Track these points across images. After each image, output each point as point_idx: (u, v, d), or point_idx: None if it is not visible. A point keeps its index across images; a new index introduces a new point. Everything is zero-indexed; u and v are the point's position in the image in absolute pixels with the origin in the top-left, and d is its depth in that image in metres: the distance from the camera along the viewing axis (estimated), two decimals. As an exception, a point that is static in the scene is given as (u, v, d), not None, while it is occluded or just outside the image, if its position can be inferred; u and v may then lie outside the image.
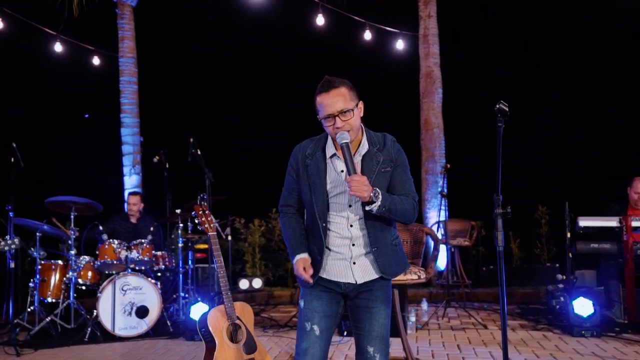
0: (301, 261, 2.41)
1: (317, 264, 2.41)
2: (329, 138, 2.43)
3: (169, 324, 5.78)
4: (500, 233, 2.57)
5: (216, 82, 9.96)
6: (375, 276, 2.41)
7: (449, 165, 7.20)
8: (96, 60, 8.83)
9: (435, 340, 5.13)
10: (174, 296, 6.23)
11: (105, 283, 5.61)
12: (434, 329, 5.64)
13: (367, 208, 2.29)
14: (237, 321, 3.23)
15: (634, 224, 5.42)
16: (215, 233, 3.30)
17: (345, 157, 2.26)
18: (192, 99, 10.06)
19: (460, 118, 8.71)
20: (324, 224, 2.38)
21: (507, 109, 2.43)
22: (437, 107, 8.51)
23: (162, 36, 9.68)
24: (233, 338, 3.22)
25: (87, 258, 5.90)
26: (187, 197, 6.67)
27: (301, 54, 9.41)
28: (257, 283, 7.91)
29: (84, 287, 6.03)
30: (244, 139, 9.93)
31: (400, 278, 3.11)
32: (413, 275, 3.13)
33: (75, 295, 5.85)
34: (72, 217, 5.82)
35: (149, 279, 5.74)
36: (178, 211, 6.14)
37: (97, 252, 5.86)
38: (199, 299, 5.65)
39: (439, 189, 7.50)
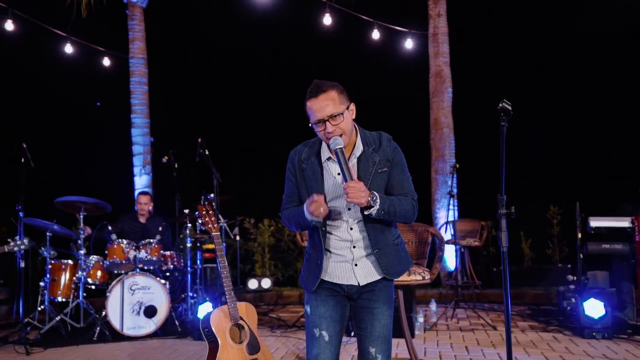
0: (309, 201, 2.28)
1: (318, 268, 2.39)
2: (323, 141, 2.39)
3: (177, 323, 5.80)
4: (504, 233, 2.54)
5: (224, 82, 9.98)
6: (378, 277, 2.39)
7: (458, 165, 7.14)
8: (106, 61, 8.90)
9: (443, 341, 5.09)
10: (183, 296, 6.25)
11: (114, 283, 5.64)
12: (443, 330, 5.60)
13: (365, 212, 2.26)
14: (241, 321, 3.23)
15: (646, 224, 5.32)
16: (218, 233, 3.29)
17: (340, 163, 2.22)
18: (200, 99, 10.08)
19: (470, 117, 8.64)
20: (323, 228, 2.36)
21: (510, 108, 2.40)
22: (447, 107, 8.45)
23: (170, 36, 9.72)
24: (236, 338, 3.22)
25: (96, 258, 5.95)
26: (196, 197, 6.69)
27: (309, 54, 9.40)
28: (266, 283, 7.91)
29: (93, 287, 6.08)
30: (253, 139, 9.95)
31: (404, 279, 3.09)
32: (417, 276, 3.10)
33: (85, 294, 5.90)
34: (81, 217, 5.87)
35: (157, 278, 5.76)
36: (186, 211, 6.16)
37: (106, 252, 5.90)
38: (207, 298, 5.66)
39: (449, 189, 7.44)
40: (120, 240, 5.86)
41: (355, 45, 8.93)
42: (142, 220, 6.62)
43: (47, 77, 8.71)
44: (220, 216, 6.67)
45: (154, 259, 5.87)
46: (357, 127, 2.42)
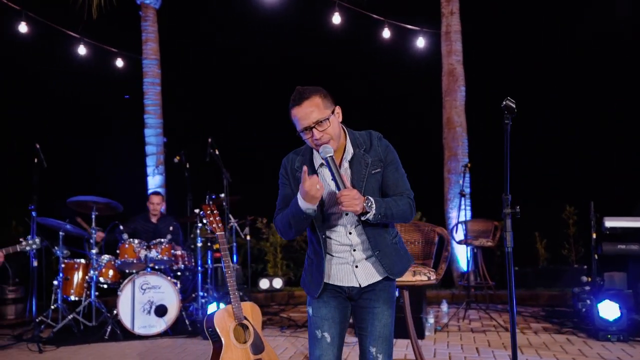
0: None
1: (320, 275, 2.37)
2: (314, 150, 2.35)
3: (187, 322, 5.82)
4: (509, 234, 2.50)
5: (234, 82, 9.99)
6: (379, 278, 2.39)
7: (469, 165, 7.07)
8: (119, 62, 8.97)
9: (453, 342, 5.03)
10: (193, 295, 6.28)
11: (125, 282, 5.68)
12: (454, 331, 5.54)
13: (362, 218, 2.24)
14: (245, 321, 3.22)
15: (663, 225, 5.21)
16: (223, 233, 3.29)
17: (331, 171, 2.19)
18: (212, 99, 10.11)
19: (483, 116, 8.54)
20: (323, 236, 2.35)
21: (514, 106, 2.35)
22: (460, 106, 8.38)
23: (180, 36, 9.77)
24: (240, 338, 3.21)
25: (108, 257, 6.00)
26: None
27: (319, 54, 9.38)
28: (278, 283, 7.91)
29: (105, 286, 6.13)
30: (264, 138, 9.96)
31: (409, 279, 3.05)
32: (423, 277, 3.06)
33: (97, 293, 5.95)
34: (93, 216, 5.92)
35: (168, 278, 5.79)
36: (197, 211, 6.18)
37: (117, 252, 5.95)
38: (217, 298, 5.67)
39: (462, 188, 7.36)
40: (131, 239, 5.91)
41: (366, 44, 8.89)
42: (154, 220, 6.66)
43: (60, 79, 8.81)
44: (230, 216, 6.68)
45: (165, 258, 5.90)
46: (345, 129, 2.39)
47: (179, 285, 5.90)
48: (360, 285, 2.37)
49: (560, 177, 8.66)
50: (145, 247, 5.86)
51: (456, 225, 7.25)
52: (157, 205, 6.63)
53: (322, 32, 8.51)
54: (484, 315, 6.24)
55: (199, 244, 6.12)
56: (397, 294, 3.19)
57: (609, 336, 4.87)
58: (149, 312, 5.64)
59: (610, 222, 5.45)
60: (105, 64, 8.90)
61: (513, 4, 9.08)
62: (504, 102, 2.37)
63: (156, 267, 5.92)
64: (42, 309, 6.13)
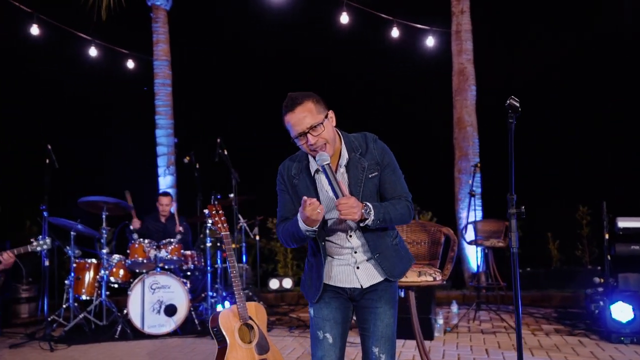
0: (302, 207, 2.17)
1: (319, 280, 2.37)
2: (309, 155, 2.34)
3: (196, 322, 5.85)
4: (514, 234, 2.46)
5: (243, 82, 10.00)
6: (381, 279, 2.38)
7: (479, 165, 7.01)
8: (130, 64, 9.03)
9: (463, 343, 4.99)
10: (203, 295, 6.30)
11: (135, 282, 5.72)
12: (464, 332, 5.50)
13: (361, 225, 2.24)
14: (250, 321, 3.22)
15: (677, 225, 5.13)
16: (228, 233, 3.29)
17: (328, 179, 2.17)
18: (221, 98, 10.13)
19: (494, 116, 8.45)
20: (322, 243, 2.35)
21: (517, 105, 2.32)
22: (471, 105, 8.31)
23: (189, 37, 9.81)
24: (245, 338, 3.21)
25: (118, 257, 6.05)
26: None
27: (327, 53, 9.37)
28: (288, 283, 7.91)
29: (116, 285, 6.18)
30: (274, 138, 9.96)
31: (415, 279, 3.03)
32: (428, 277, 3.03)
33: (108, 293, 6.00)
34: (103, 216, 5.97)
35: (178, 277, 5.82)
36: (206, 211, 6.20)
37: (127, 251, 5.99)
38: (225, 298, 5.69)
39: (472, 189, 7.30)
40: (141, 239, 5.95)
41: (374, 44, 8.85)
42: (164, 220, 6.69)
43: (72, 80, 8.88)
44: (240, 216, 6.70)
45: (175, 258, 5.93)
46: (340, 133, 2.37)
47: (188, 285, 5.93)
48: (362, 286, 2.36)
49: (573, 177, 8.55)
50: (155, 247, 5.89)
51: (465, 225, 7.19)
52: (165, 206, 6.66)
53: (330, 32, 8.49)
54: (495, 316, 6.18)
55: (209, 244, 6.14)
56: (402, 294, 3.19)
57: (622, 338, 4.80)
58: (159, 311, 5.67)
59: (623, 223, 5.38)
60: (116, 65, 8.96)
61: (524, 2, 8.99)
62: (508, 101, 2.35)
63: (166, 267, 5.96)
64: (55, 308, 6.20)
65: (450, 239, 3.24)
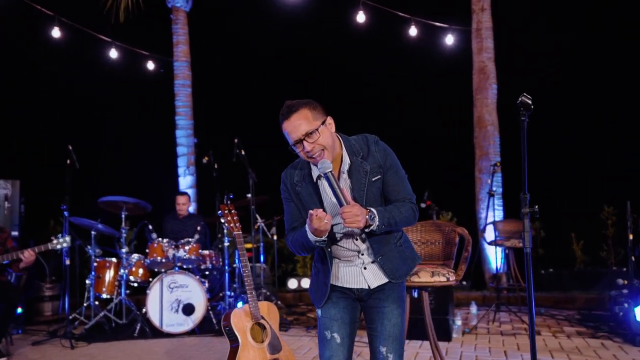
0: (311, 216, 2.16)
1: (325, 286, 2.38)
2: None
3: (214, 321, 5.88)
4: (527, 233, 2.41)
5: (261, 82, 10.03)
6: (387, 280, 2.38)
7: (499, 164, 6.90)
8: (150, 65, 9.14)
9: (481, 345, 4.91)
10: (221, 294, 6.33)
11: (153, 281, 5.78)
12: (483, 333, 5.41)
13: (366, 231, 2.23)
14: (262, 321, 3.22)
15: None
16: (240, 232, 3.30)
17: (332, 188, 2.16)
18: (240, 98, 10.18)
19: (516, 115, 8.31)
20: (329, 249, 2.35)
21: (530, 102, 2.28)
22: (492, 104, 8.20)
23: (208, 38, 9.87)
24: (258, 338, 3.21)
25: (137, 256, 6.12)
26: (236, 196, 6.77)
27: (344, 53, 9.34)
28: (306, 283, 7.90)
29: (135, 284, 6.25)
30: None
31: (427, 280, 2.99)
32: (441, 277, 2.99)
33: (128, 291, 6.08)
34: (122, 216, 6.05)
35: (196, 277, 5.86)
36: (219, 211, 6.23)
37: (146, 251, 6.06)
38: (244, 297, 5.71)
39: (492, 188, 7.20)
40: (160, 239, 6.01)
41: (392, 42, 8.79)
42: (181, 219, 6.74)
43: (92, 81, 9.01)
44: (257, 216, 6.72)
45: (193, 257, 5.98)
46: (340, 137, 2.35)
47: (206, 284, 5.96)
48: (369, 286, 2.36)
49: (598, 176, 8.37)
50: (173, 246, 5.95)
51: (485, 225, 7.09)
52: (182, 206, 6.72)
53: (347, 32, 8.46)
54: (515, 318, 6.08)
55: (226, 244, 6.17)
56: (415, 294, 3.15)
57: (646, 341, 4.67)
58: (177, 310, 5.72)
59: (648, 223, 5.24)
60: (136, 66, 9.08)
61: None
62: (520, 99, 2.30)
63: (184, 266, 6.00)
64: (77, 306, 6.31)
65: (464, 239, 3.18)
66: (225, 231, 6.23)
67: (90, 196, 6.42)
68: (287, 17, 8.78)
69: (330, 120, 2.29)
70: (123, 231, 6.03)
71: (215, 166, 6.99)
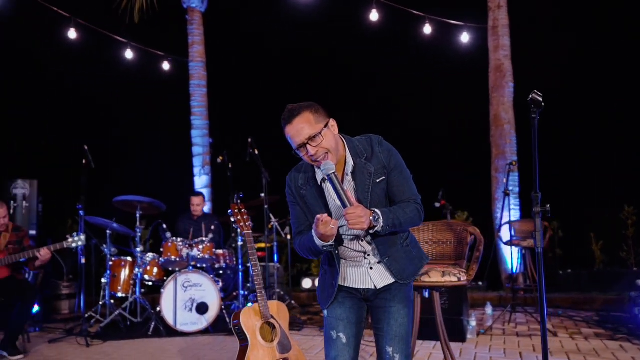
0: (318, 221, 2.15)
1: (332, 288, 2.37)
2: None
3: (228, 320, 5.89)
4: (539, 233, 2.37)
5: (276, 83, 10.04)
6: (393, 280, 2.36)
7: (515, 163, 6.80)
8: (166, 65, 9.21)
9: (496, 346, 4.85)
10: (235, 294, 6.34)
11: (168, 280, 5.81)
12: (498, 334, 5.34)
13: (371, 232, 2.21)
14: (272, 320, 3.21)
15: None
16: (250, 232, 3.29)
17: (335, 189, 2.14)
18: (254, 98, 10.21)
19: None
20: (336, 251, 2.34)
21: (540, 99, 2.23)
22: (508, 102, 8.09)
23: (223, 38, 9.91)
24: (267, 337, 3.20)
25: (152, 255, 6.17)
26: (251, 196, 6.79)
27: (360, 52, 9.30)
28: (320, 283, 7.88)
29: (150, 283, 6.30)
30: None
31: (438, 279, 2.95)
32: (452, 277, 2.95)
33: (143, 290, 6.13)
34: (137, 215, 6.10)
35: (210, 276, 5.88)
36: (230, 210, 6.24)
37: (161, 250, 6.10)
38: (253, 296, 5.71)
39: (509, 187, 7.11)
40: (174, 238, 6.04)
41: (406, 41, 8.73)
42: (196, 219, 6.78)
43: (108, 81, 9.12)
44: (271, 215, 6.72)
45: (207, 257, 6.00)
46: (344, 139, 2.32)
47: (220, 283, 5.98)
48: (376, 287, 2.34)
49: (618, 175, 8.21)
50: (187, 245, 5.98)
51: (500, 225, 6.99)
52: (197, 206, 6.75)
53: (361, 30, 8.43)
54: (531, 319, 5.99)
55: (240, 243, 6.19)
56: (426, 294, 3.11)
57: (666, 344, 4.57)
58: (191, 309, 5.74)
59: (668, 223, 5.12)
60: (151, 67, 9.15)
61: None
62: (531, 96, 2.26)
63: (198, 265, 6.03)
64: (93, 304, 6.38)
65: (476, 238, 3.14)
66: (238, 230, 6.25)
67: (105, 196, 6.49)
68: (301, 17, 8.77)
69: (333, 122, 2.28)
70: (138, 230, 6.08)
71: (230, 166, 7.01)
